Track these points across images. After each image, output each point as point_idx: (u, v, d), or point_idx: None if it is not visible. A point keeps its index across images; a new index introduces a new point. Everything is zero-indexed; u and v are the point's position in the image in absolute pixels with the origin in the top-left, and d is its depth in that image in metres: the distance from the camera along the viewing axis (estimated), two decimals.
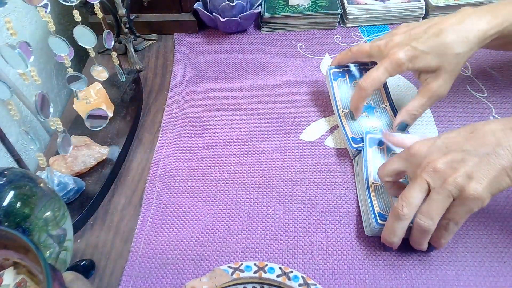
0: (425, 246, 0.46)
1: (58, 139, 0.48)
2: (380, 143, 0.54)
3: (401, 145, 0.50)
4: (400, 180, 0.48)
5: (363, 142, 0.54)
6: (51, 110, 0.46)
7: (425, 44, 0.51)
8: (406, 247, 0.47)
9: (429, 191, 0.42)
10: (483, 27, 0.50)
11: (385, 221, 0.46)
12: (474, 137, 0.42)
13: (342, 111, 0.59)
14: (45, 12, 0.47)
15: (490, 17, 0.50)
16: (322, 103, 0.64)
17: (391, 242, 0.45)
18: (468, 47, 0.50)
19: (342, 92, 0.60)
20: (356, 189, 0.54)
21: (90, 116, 0.56)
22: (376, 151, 0.53)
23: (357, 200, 0.52)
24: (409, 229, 0.45)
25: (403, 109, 0.54)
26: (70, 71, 0.52)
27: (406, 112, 0.53)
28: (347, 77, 0.61)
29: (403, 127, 0.54)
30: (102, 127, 0.57)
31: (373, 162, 0.52)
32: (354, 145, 0.55)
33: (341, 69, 0.61)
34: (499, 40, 0.52)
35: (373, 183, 0.50)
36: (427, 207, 0.42)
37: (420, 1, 0.74)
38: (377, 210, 0.48)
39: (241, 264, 0.46)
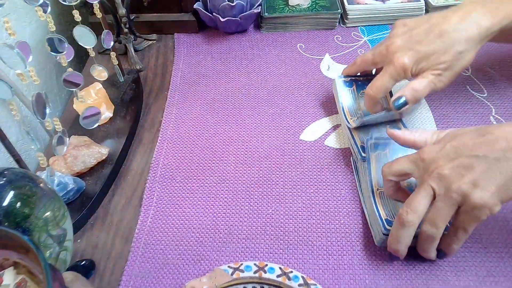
0: (432, 254, 0.44)
1: (53, 140, 0.48)
2: (378, 146, 0.52)
3: (412, 143, 0.47)
4: (405, 184, 0.48)
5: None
6: (48, 110, 0.46)
7: (428, 46, 0.50)
8: (414, 255, 0.47)
9: (434, 198, 0.41)
10: (485, 25, 0.50)
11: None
12: (485, 141, 0.40)
13: (351, 119, 0.58)
14: (45, 12, 0.47)
15: (491, 13, 0.50)
16: (322, 103, 0.64)
17: (397, 250, 0.44)
18: (471, 45, 0.50)
19: (349, 101, 0.60)
20: (359, 197, 0.53)
21: (85, 117, 0.56)
22: (378, 157, 0.52)
23: (361, 207, 0.52)
24: (416, 237, 0.44)
25: (407, 86, 0.51)
26: (70, 71, 0.52)
27: (411, 89, 0.51)
28: (354, 86, 0.61)
29: (401, 105, 0.51)
30: (95, 126, 0.56)
31: (377, 167, 0.51)
32: (363, 154, 0.53)
33: (349, 78, 0.61)
34: (500, 34, 0.51)
35: (377, 189, 0.49)
36: (432, 214, 0.41)
37: (420, 1, 0.74)
38: (383, 216, 0.47)
39: (241, 264, 0.46)
